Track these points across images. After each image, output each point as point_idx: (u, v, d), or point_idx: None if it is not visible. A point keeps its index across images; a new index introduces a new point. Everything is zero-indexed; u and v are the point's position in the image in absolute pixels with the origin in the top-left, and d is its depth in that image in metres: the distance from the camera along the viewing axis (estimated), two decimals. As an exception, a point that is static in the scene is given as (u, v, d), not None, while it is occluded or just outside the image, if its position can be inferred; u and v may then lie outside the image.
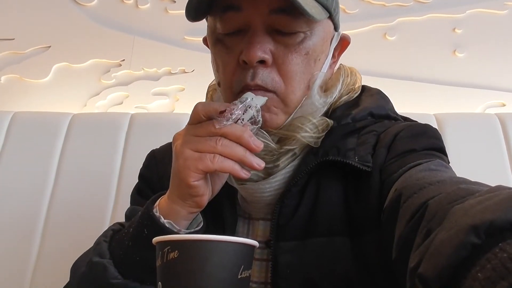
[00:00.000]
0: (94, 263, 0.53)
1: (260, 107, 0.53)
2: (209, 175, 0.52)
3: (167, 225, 0.51)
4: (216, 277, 0.36)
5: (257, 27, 0.54)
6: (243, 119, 0.50)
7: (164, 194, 0.55)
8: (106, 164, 1.13)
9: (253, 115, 0.51)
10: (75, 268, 0.58)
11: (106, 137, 1.16)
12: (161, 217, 0.52)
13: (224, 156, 0.48)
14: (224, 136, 0.49)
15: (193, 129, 0.50)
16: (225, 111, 0.49)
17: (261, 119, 0.52)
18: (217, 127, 0.49)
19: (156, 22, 1.44)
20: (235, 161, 0.49)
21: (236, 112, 0.50)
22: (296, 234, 0.56)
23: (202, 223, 0.55)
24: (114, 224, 0.62)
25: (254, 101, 0.52)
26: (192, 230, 0.54)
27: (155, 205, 0.53)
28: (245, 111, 0.51)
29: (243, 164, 0.50)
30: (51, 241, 1.07)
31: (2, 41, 1.44)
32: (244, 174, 0.50)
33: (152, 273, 0.41)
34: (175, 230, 0.52)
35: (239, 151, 0.49)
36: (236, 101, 0.52)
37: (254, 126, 0.52)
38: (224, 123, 0.49)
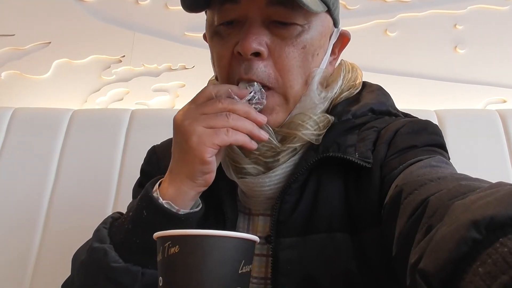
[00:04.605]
0: (94, 249, 0.54)
1: (265, 101, 0.55)
2: None
3: (166, 206, 0.52)
4: (217, 272, 0.37)
5: (253, 19, 0.54)
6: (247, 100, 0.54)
7: (162, 178, 0.55)
8: (107, 161, 1.13)
9: (257, 97, 0.54)
10: (75, 258, 0.58)
11: (107, 134, 1.16)
12: (160, 197, 0.52)
13: (235, 130, 0.51)
14: (232, 112, 0.51)
15: (199, 108, 0.52)
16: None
17: (265, 101, 0.55)
18: (224, 103, 0.51)
19: (156, 18, 1.43)
20: (245, 133, 0.52)
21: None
22: (296, 230, 0.56)
23: (201, 205, 0.56)
24: (113, 213, 0.62)
25: (259, 86, 0.55)
26: (192, 211, 0.54)
27: (154, 188, 0.54)
28: (250, 92, 0.54)
29: (251, 136, 0.53)
30: (52, 237, 1.07)
31: (2, 37, 1.44)
32: (253, 145, 0.53)
33: (153, 257, 0.41)
34: (174, 211, 0.52)
35: (248, 124, 0.52)
36: (243, 82, 0.54)
37: (259, 106, 0.54)
38: (230, 100, 0.52)
